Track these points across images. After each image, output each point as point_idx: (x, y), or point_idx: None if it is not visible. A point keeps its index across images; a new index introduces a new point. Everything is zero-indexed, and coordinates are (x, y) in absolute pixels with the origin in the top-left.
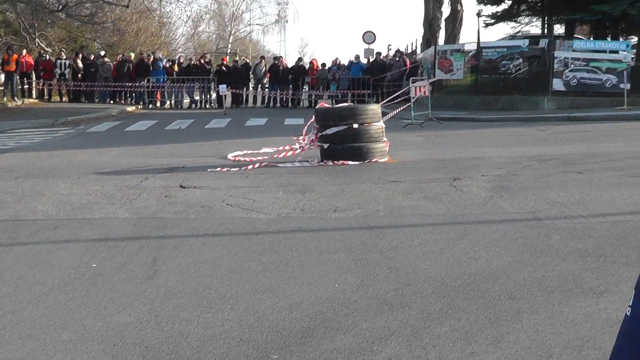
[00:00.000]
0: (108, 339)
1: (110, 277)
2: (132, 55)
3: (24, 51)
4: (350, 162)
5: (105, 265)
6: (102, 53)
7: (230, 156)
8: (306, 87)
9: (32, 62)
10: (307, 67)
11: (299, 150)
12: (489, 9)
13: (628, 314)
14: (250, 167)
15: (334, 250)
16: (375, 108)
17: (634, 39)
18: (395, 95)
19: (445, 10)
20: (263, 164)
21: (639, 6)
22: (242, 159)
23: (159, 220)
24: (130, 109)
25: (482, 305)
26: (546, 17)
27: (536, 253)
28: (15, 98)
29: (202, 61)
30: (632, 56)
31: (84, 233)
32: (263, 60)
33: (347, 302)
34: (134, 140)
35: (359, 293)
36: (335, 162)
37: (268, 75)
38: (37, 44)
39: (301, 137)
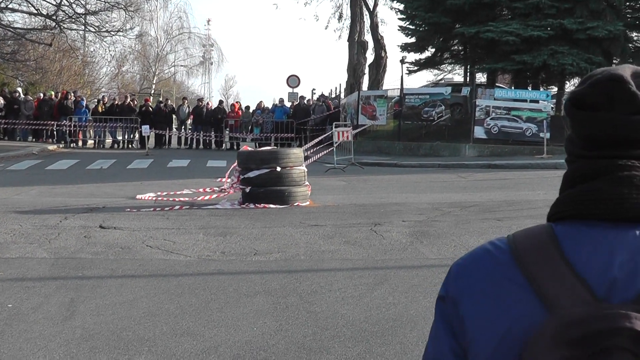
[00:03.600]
0: None
1: (26, 318)
2: (52, 93)
3: None
4: (271, 206)
5: (22, 306)
6: (20, 90)
7: (145, 197)
8: (227, 130)
9: None
10: (228, 109)
11: (221, 194)
12: (413, 56)
13: (430, 331)
14: (169, 208)
15: (253, 294)
16: (297, 152)
17: (554, 89)
18: (318, 139)
19: (370, 56)
20: (184, 206)
21: (558, 57)
22: (162, 198)
23: (78, 261)
24: (51, 147)
25: (399, 350)
26: (468, 66)
27: None
28: None
29: (126, 101)
30: (552, 106)
31: (0, 273)
32: (186, 102)
33: (265, 346)
34: (55, 179)
35: (277, 337)
36: (256, 205)
37: (191, 116)
38: None
39: (223, 180)
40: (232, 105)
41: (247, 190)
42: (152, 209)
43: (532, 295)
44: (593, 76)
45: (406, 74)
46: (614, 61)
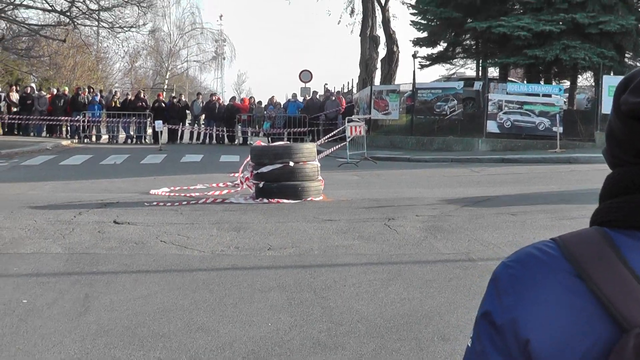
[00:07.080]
0: None
1: (41, 314)
2: (67, 89)
3: None
4: (285, 201)
5: (36, 301)
6: (34, 86)
7: (159, 192)
8: (240, 125)
9: None
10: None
11: (234, 189)
12: (425, 51)
13: (469, 345)
14: (186, 203)
15: (267, 289)
16: (310, 147)
17: (566, 83)
18: (331, 134)
19: (382, 51)
20: (199, 201)
21: (570, 51)
22: (175, 194)
23: (92, 256)
24: (65, 143)
25: (415, 346)
26: (481, 60)
27: (469, 294)
28: None
29: (139, 96)
30: (565, 100)
31: (15, 268)
32: (200, 97)
33: (280, 341)
34: (69, 174)
35: (292, 333)
36: (270, 200)
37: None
38: None
39: (237, 175)
40: (242, 99)
41: (261, 185)
42: (167, 204)
43: (601, 311)
44: None
45: (418, 68)
46: (626, 55)
